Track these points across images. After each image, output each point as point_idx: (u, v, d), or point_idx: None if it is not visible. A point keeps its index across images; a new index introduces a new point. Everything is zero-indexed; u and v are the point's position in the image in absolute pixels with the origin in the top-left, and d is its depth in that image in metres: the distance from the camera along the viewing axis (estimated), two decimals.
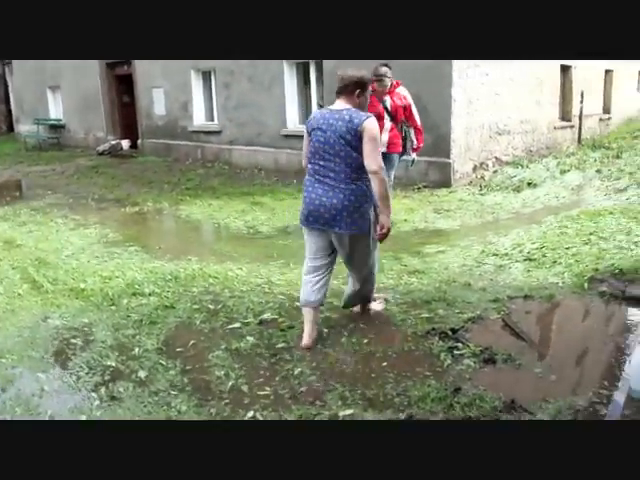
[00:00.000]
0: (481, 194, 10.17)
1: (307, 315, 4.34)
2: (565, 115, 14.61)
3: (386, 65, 7.56)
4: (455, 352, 4.08)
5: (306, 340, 4.25)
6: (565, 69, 14.19)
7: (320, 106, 12.49)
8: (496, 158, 11.73)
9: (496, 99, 11.57)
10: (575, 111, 14.63)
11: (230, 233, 8.11)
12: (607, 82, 17.21)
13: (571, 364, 4.08)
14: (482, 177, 11.08)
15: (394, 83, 7.67)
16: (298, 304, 4.53)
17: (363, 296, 4.71)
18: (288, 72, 12.69)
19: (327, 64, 11.55)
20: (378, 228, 4.21)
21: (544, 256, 6.19)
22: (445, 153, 10.49)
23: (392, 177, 7.98)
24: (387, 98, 7.64)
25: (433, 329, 4.43)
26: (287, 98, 12.79)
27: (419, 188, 10.43)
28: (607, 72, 17.03)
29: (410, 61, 10.37)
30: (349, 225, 4.12)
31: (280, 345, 4.24)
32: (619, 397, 3.45)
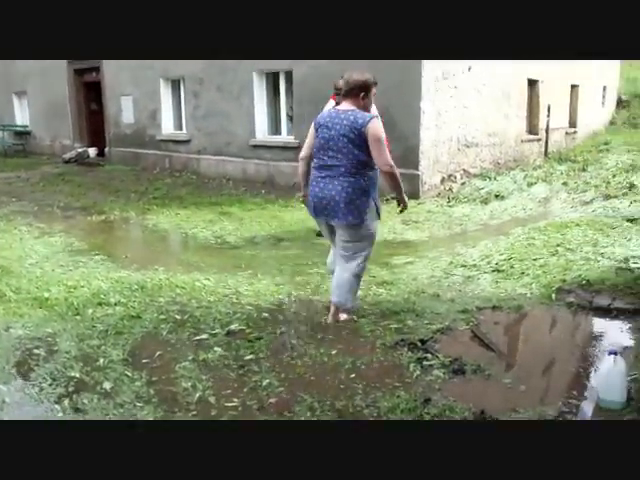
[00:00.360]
0: (449, 206, 10.25)
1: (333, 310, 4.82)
2: (532, 128, 14.80)
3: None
4: (424, 363, 4.06)
5: (330, 319, 4.78)
6: (532, 83, 14.38)
7: (289, 117, 12.50)
8: (464, 170, 11.83)
9: (464, 112, 11.68)
10: (542, 125, 14.84)
11: (198, 243, 8.04)
12: (573, 97, 17.48)
13: (540, 374, 4.10)
14: (450, 189, 11.17)
15: None
16: (266, 315, 4.50)
17: (348, 288, 4.78)
18: (257, 82, 12.66)
19: (297, 74, 11.55)
20: (400, 205, 4.87)
21: (512, 267, 6.23)
22: (414, 165, 10.55)
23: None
24: None
25: (402, 340, 4.42)
26: (256, 108, 12.75)
27: (387, 199, 10.43)
28: (573, 87, 17.31)
29: (380, 73, 10.42)
30: (345, 215, 4.51)
31: (248, 356, 4.18)
32: (587, 407, 3.47)
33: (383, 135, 4.51)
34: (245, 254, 7.24)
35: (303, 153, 4.80)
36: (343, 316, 4.85)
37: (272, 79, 12.76)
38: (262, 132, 12.88)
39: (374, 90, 4.61)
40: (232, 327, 4.65)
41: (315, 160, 4.64)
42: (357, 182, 4.48)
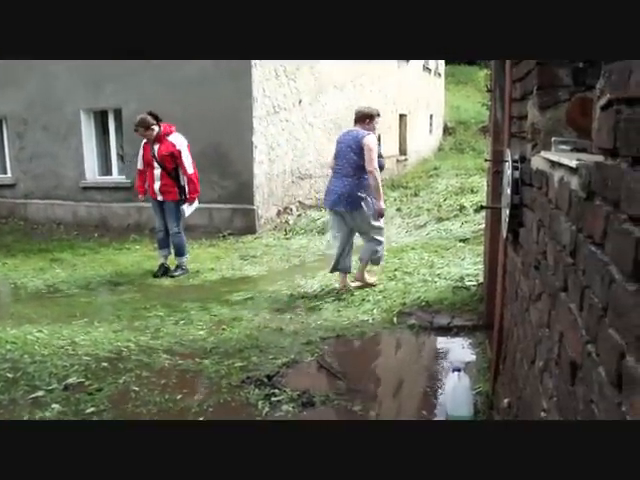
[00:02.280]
0: (286, 238, 10.41)
1: (342, 277, 6.73)
2: None
3: (150, 114, 7.66)
4: (272, 399, 4.09)
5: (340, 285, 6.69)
6: None
7: (120, 156, 12.23)
8: (299, 202, 12.09)
9: (297, 144, 11.98)
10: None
11: (28, 293, 7.62)
12: (402, 125, 18.38)
13: (389, 398, 4.25)
14: (286, 221, 11.36)
15: (161, 130, 7.70)
16: (105, 364, 4.35)
17: (372, 252, 6.63)
18: (85, 121, 12.28)
19: (126, 112, 11.33)
20: (376, 208, 6.42)
21: (352, 295, 6.45)
22: (248, 200, 10.65)
23: (181, 227, 7.97)
24: (156, 146, 7.67)
25: (248, 377, 4.43)
26: (85, 148, 12.34)
27: (224, 236, 10.49)
28: (401, 116, 18.21)
29: (210, 109, 10.49)
30: (346, 205, 6.35)
31: (89, 410, 4.02)
32: None
33: (375, 148, 6.36)
34: (80, 302, 6.96)
35: (330, 164, 6.78)
36: (367, 277, 6.76)
37: (100, 118, 12.44)
38: (92, 173, 12.49)
39: (377, 119, 6.61)
40: (70, 381, 4.45)
41: (333, 166, 6.60)
42: (354, 181, 6.31)
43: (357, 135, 6.36)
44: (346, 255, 6.64)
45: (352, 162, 6.29)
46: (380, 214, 6.49)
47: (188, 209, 7.86)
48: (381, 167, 6.75)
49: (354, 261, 6.85)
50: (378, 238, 6.58)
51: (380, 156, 6.71)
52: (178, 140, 7.70)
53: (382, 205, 6.44)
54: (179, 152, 7.63)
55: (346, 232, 6.61)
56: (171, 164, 7.68)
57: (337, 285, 6.80)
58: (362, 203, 6.31)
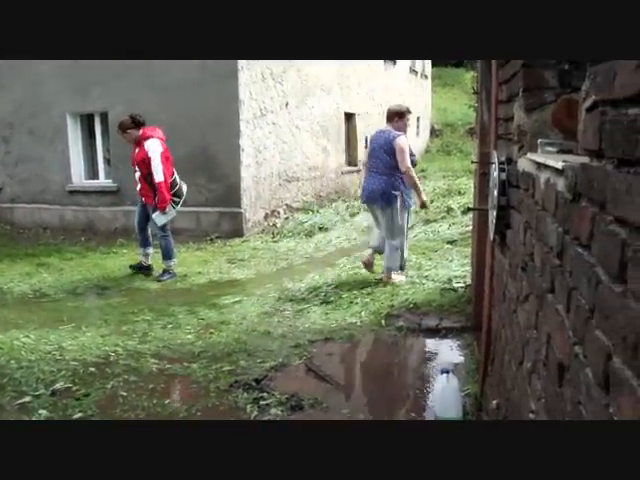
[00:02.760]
0: (274, 241, 10.40)
1: (371, 255, 7.16)
2: (351, 160, 15.43)
3: (132, 117, 7.76)
4: (261, 402, 4.08)
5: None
6: (349, 117, 14.99)
7: (107, 160, 12.18)
8: (287, 205, 12.08)
9: (284, 147, 11.98)
10: (360, 156, 15.50)
11: (15, 298, 7.56)
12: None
13: (377, 400, 4.24)
14: (274, 224, 11.35)
15: (139, 134, 7.76)
16: (92, 369, 4.32)
17: (393, 261, 6.85)
18: (72, 125, 12.22)
19: (112, 116, 11.28)
20: (418, 202, 6.93)
21: (340, 298, 6.44)
22: (236, 203, 10.64)
23: (167, 230, 7.96)
24: (136, 149, 7.73)
25: (236, 381, 4.42)
26: (71, 152, 12.28)
27: (212, 239, 10.46)
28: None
29: (197, 112, 10.47)
30: (380, 202, 6.72)
31: (77, 415, 4.00)
32: None
33: (407, 148, 6.62)
34: (67, 306, 6.92)
35: (363, 160, 7.34)
36: (394, 277, 6.86)
37: (87, 121, 12.39)
38: (79, 177, 12.43)
39: (407, 116, 6.93)
40: (57, 386, 4.43)
41: (367, 164, 6.96)
42: (388, 179, 6.66)
43: (388, 136, 6.71)
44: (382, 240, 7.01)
45: (385, 162, 6.67)
46: (423, 206, 7.10)
47: (159, 218, 7.80)
48: (413, 164, 6.89)
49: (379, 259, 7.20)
50: (394, 243, 6.77)
51: (412, 154, 6.86)
52: (152, 147, 7.67)
53: (424, 198, 6.90)
54: (149, 159, 7.63)
55: (388, 221, 6.92)
56: (145, 169, 7.69)
57: (361, 265, 7.38)
58: (395, 200, 6.67)
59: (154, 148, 7.66)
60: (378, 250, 7.06)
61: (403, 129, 6.85)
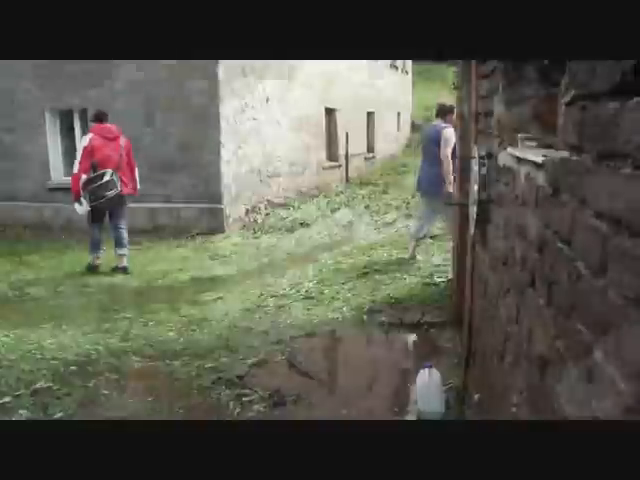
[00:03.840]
0: (255, 237, 10.37)
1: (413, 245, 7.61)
2: (332, 156, 15.42)
3: (96, 112, 8.28)
4: (244, 399, 4.08)
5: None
6: (329, 112, 14.98)
7: None
8: (268, 201, 12.05)
9: (265, 143, 11.93)
10: (341, 151, 15.49)
11: None
12: (370, 123, 18.44)
13: (360, 396, 4.24)
14: (255, 220, 11.32)
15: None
16: (73, 368, 4.28)
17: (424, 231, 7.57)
18: (50, 121, 12.12)
19: (91, 112, 11.16)
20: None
21: (322, 293, 6.44)
22: (216, 199, 10.59)
23: (92, 224, 8.36)
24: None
25: (219, 378, 4.42)
26: (50, 149, 12.18)
27: (192, 236, 10.40)
28: (369, 114, 18.25)
29: (177, 108, 10.41)
30: (430, 190, 7.35)
31: (58, 415, 3.97)
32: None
33: (452, 139, 6.90)
34: (47, 304, 6.85)
35: (420, 154, 7.89)
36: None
37: (66, 118, 12.27)
38: (58, 174, 12.31)
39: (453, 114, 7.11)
40: (37, 385, 4.39)
41: (422, 156, 7.73)
42: (439, 169, 7.16)
43: (437, 128, 7.35)
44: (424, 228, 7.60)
45: (434, 153, 7.25)
46: (448, 196, 7.29)
47: (78, 209, 8.02)
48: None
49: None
50: (425, 228, 7.61)
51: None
52: (82, 141, 8.02)
53: (450, 189, 7.02)
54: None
55: (431, 212, 7.53)
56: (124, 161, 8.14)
57: (406, 256, 7.66)
58: (441, 189, 7.17)
59: (82, 142, 7.98)
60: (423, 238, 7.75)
61: (452, 124, 7.16)
